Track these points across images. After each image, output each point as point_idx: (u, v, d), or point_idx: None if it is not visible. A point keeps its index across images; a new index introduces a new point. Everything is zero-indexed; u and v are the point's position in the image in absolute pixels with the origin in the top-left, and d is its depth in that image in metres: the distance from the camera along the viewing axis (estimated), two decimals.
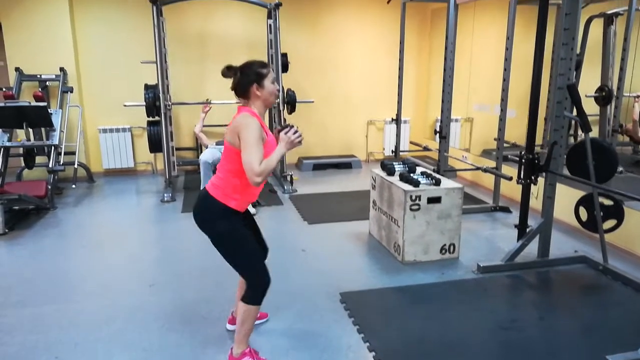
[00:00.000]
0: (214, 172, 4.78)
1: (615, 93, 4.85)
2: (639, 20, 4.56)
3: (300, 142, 2.22)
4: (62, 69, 5.86)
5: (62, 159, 5.31)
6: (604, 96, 5.15)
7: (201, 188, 4.78)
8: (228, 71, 2.27)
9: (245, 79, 2.24)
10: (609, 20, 5.17)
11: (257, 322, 2.79)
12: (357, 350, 2.53)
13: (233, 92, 2.30)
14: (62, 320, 2.85)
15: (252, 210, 4.91)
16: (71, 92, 5.84)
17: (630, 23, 4.46)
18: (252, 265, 2.32)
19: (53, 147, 5.17)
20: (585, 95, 5.00)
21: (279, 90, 2.31)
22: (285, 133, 2.19)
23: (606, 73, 5.30)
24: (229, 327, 2.73)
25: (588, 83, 5.21)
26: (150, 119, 5.68)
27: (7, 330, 2.73)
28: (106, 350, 2.54)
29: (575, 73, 4.95)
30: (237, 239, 2.27)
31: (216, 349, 2.55)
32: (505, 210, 4.88)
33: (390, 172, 3.91)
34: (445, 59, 4.52)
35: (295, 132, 2.19)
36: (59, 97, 5.73)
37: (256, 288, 2.31)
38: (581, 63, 5.38)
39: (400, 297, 3.14)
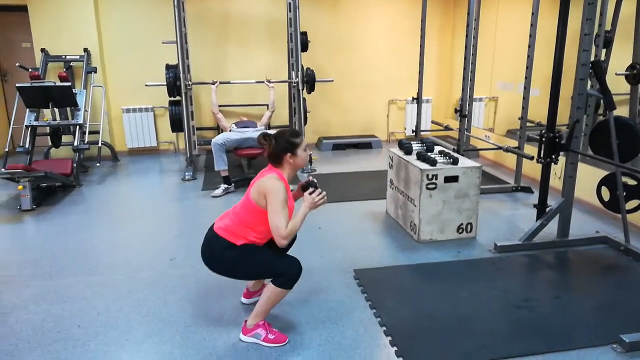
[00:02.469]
0: (227, 153, 4.86)
1: None
2: None
3: (324, 202, 2.34)
4: (86, 50, 5.97)
5: (87, 137, 5.44)
6: (635, 74, 4.96)
7: (215, 169, 4.85)
8: (264, 140, 2.37)
9: (279, 147, 2.36)
10: None
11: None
12: (368, 325, 2.56)
13: (268, 158, 2.40)
14: (85, 291, 2.96)
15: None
16: (95, 72, 5.96)
17: None
18: (275, 269, 2.37)
19: (78, 127, 5.31)
20: (615, 74, 4.82)
21: (310, 155, 2.48)
22: (310, 194, 2.33)
23: (638, 50, 5.10)
24: (244, 300, 2.80)
25: (620, 61, 5.02)
26: (172, 98, 5.75)
27: (33, 299, 2.86)
28: (126, 320, 2.64)
29: (605, 50, 4.80)
30: (248, 261, 2.37)
31: (230, 320, 2.62)
32: (527, 190, 4.80)
33: (408, 151, 3.89)
34: (466, 35, 4.42)
35: (320, 193, 2.33)
36: (83, 77, 5.86)
37: (289, 278, 2.36)
38: (612, 40, 5.18)
39: (414, 274, 3.15)
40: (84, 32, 6.02)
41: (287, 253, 2.53)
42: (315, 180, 2.41)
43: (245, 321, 2.46)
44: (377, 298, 2.81)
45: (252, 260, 2.38)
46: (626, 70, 4.96)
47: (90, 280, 3.10)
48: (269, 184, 2.29)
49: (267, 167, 2.42)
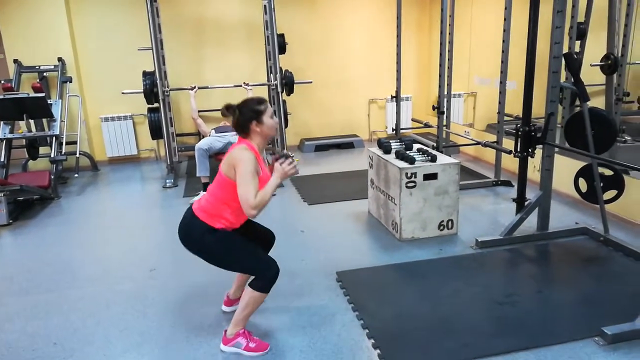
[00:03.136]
0: (209, 158, 4.82)
1: (619, 61, 4.71)
2: None
3: (295, 172, 2.30)
4: (60, 59, 5.87)
5: (64, 148, 5.35)
6: (609, 64, 5.01)
7: (197, 175, 4.82)
8: (227, 111, 2.35)
9: (244, 116, 2.30)
10: None
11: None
12: (350, 328, 2.54)
13: (234, 128, 2.37)
14: (62, 306, 2.90)
15: None
16: (70, 82, 5.86)
17: None
18: (253, 265, 2.35)
19: (54, 137, 5.21)
20: (590, 65, 4.87)
21: (278, 123, 2.41)
22: (280, 164, 2.27)
23: (612, 41, 5.13)
24: (225, 309, 2.76)
25: (594, 52, 5.07)
26: (150, 105, 5.68)
27: (7, 318, 2.79)
28: (104, 335, 2.58)
29: (580, 42, 4.84)
30: (227, 249, 2.33)
31: (211, 330, 2.58)
32: (507, 184, 4.82)
33: (387, 150, 3.88)
34: (441, 32, 4.43)
35: (291, 162, 2.28)
36: (58, 87, 5.75)
37: (266, 280, 2.32)
38: (586, 32, 5.22)
39: (397, 274, 3.14)
40: (57, 42, 5.91)
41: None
42: (291, 154, 2.36)
43: (225, 331, 2.42)
44: (360, 300, 2.79)
45: (232, 249, 2.33)
46: (601, 61, 5.01)
47: (67, 295, 3.03)
48: (238, 154, 2.24)
49: (237, 140, 2.36)
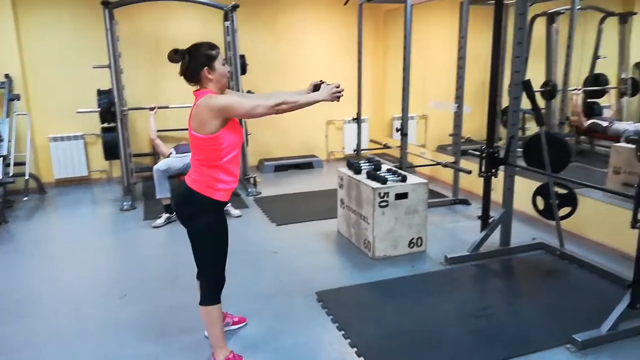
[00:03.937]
0: (169, 179, 4.71)
1: (561, 87, 5.14)
2: (581, 18, 4.87)
3: (338, 97, 2.25)
4: (7, 76, 5.56)
5: (11, 170, 5.04)
6: (549, 90, 5.45)
7: (157, 197, 4.68)
8: (175, 55, 2.15)
9: (194, 62, 2.15)
10: (551, 18, 5.48)
11: (236, 327, 2.78)
12: (339, 347, 2.57)
13: (182, 77, 2.20)
14: (31, 338, 2.73)
15: (235, 212, 4.84)
16: (18, 99, 5.55)
17: (574, 20, 4.73)
18: (217, 265, 2.33)
19: (2, 158, 4.91)
20: None
21: (230, 72, 2.31)
22: (327, 85, 2.23)
23: (550, 69, 5.61)
24: (207, 333, 2.70)
25: (533, 79, 5.48)
26: (105, 125, 5.49)
27: None
28: None
29: None
30: (215, 238, 2.28)
31: (194, 356, 2.52)
32: (465, 202, 5.06)
33: (357, 171, 3.98)
34: (404, 58, 4.64)
35: (337, 86, 2.23)
36: (5, 105, 5.43)
37: (212, 288, 2.31)
38: (526, 60, 5.66)
39: (374, 292, 3.21)
40: (4, 57, 5.60)
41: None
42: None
43: (213, 356, 2.38)
44: (343, 319, 2.82)
45: (219, 237, 2.28)
46: (541, 87, 5.44)
47: (34, 327, 2.85)
48: (209, 101, 2.07)
49: (194, 96, 2.18)
